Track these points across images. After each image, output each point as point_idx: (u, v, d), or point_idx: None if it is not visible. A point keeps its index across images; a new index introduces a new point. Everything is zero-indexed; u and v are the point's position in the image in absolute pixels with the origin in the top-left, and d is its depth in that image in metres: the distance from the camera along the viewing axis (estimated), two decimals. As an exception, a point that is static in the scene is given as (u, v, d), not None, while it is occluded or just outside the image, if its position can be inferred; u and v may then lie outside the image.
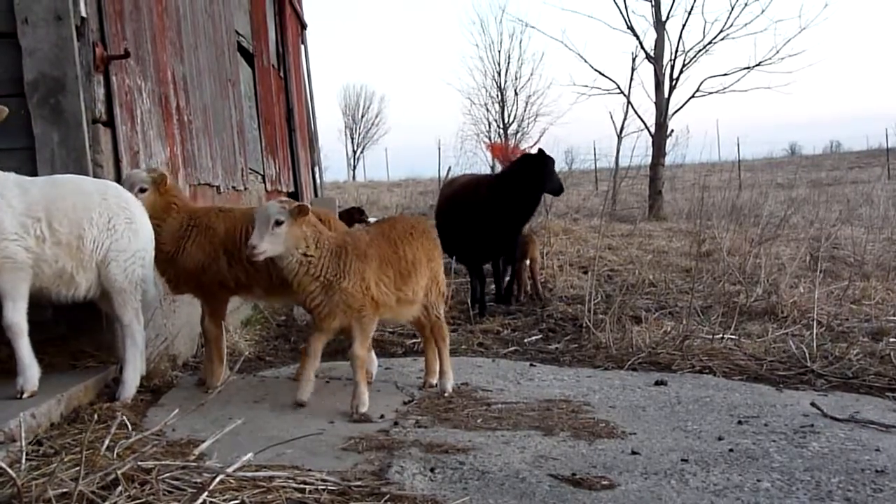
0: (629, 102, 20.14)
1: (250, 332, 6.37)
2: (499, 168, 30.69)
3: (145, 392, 4.24)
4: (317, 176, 14.00)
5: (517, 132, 37.07)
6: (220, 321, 4.46)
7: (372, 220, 8.92)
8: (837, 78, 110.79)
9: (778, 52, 18.48)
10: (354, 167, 63.89)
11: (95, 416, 3.52)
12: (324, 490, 2.76)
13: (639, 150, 20.74)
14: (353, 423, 3.84)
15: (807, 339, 5.41)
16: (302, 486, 2.78)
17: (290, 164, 11.07)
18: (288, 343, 6.18)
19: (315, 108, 13.99)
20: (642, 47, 19.31)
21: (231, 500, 2.60)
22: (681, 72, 19.09)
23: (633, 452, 3.37)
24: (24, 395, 3.55)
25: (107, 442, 3.05)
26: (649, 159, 19.47)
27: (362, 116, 65.65)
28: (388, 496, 2.77)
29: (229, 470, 2.75)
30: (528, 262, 7.71)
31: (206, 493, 2.57)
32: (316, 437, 3.49)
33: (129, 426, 3.35)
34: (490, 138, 37.24)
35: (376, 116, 65.94)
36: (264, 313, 7.11)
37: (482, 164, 32.27)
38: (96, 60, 4.23)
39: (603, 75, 21.11)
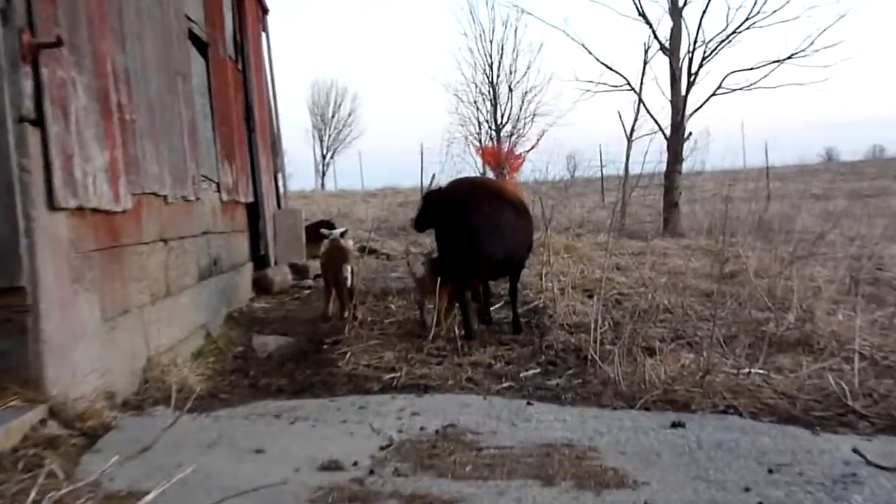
0: (641, 101, 20.27)
1: (202, 365, 6.35)
2: (489, 174, 30.83)
3: (78, 436, 4.21)
4: (280, 184, 14.01)
5: (511, 134, 37.24)
6: None
7: (336, 232, 8.85)
8: (881, 72, 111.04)
9: (812, 42, 18.52)
10: (324, 174, 64.02)
11: (20, 465, 3.49)
12: (287, 550, 2.75)
13: (652, 155, 20.80)
14: (322, 471, 3.83)
15: (847, 374, 5.43)
16: (262, 545, 2.76)
17: (248, 170, 11.07)
18: (246, 378, 6.17)
19: (278, 105, 14.03)
20: (656, 37, 19.45)
21: (179, 562, 2.59)
22: (700, 65, 19.22)
23: (647, 505, 3.37)
24: None
25: (33, 494, 3.03)
26: (664, 166, 19.56)
27: (333, 116, 65.86)
28: (362, 557, 2.76)
29: (177, 526, 2.73)
30: None
31: (149, 554, 2.56)
32: (279, 488, 3.47)
33: (60, 475, 3.33)
34: (480, 141, 37.38)
35: (349, 116, 66.15)
36: (218, 344, 7.10)
37: (471, 170, 32.40)
38: (23, 49, 4.22)
39: (611, 69, 21.06)
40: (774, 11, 18.82)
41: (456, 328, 7.32)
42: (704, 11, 19.18)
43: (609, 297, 8.79)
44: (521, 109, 37.38)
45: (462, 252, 7.23)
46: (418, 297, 8.07)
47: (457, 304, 7.67)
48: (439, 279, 7.27)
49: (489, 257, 7.29)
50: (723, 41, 19.06)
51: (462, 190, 7.73)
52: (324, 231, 8.83)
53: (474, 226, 7.22)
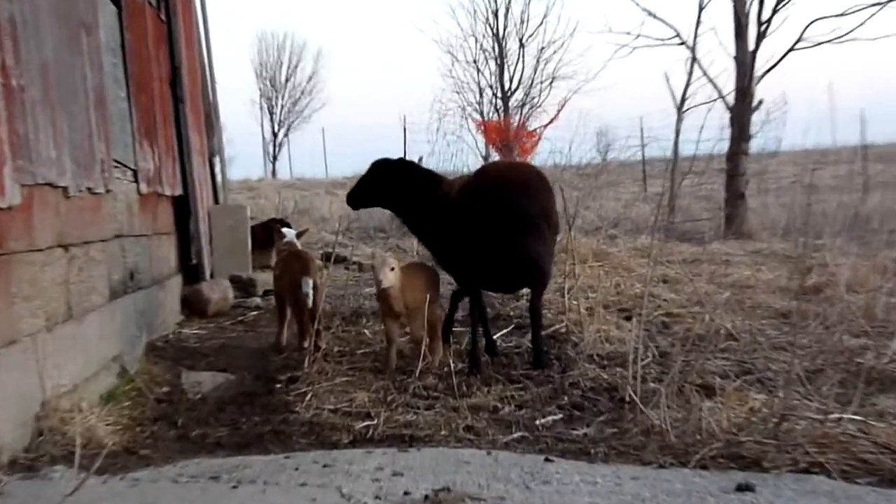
0: (695, 58, 20.35)
1: (115, 411, 6.34)
2: (495, 157, 30.87)
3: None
4: (217, 171, 14.03)
5: (523, 104, 37.35)
6: None
7: (292, 233, 8.91)
8: None
9: (924, -24, 18.54)
10: (275, 158, 64.22)
11: None
12: None
13: (710, 131, 20.89)
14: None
15: (971, 420, 5.46)
16: None
17: (176, 153, 11.08)
18: (174, 428, 6.17)
19: (215, 67, 14.05)
20: (715, -25, 19.52)
21: None
22: (774, 11, 19.27)
23: (704, 593, 3.40)
24: None
25: None
26: (726, 145, 19.58)
27: (287, 80, 66.09)
28: None
29: None
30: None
31: None
32: (217, 573, 3.49)
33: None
34: (483, 114, 37.43)
35: (309, 81, 66.41)
36: (136, 383, 7.10)
37: (470, 151, 32.32)
38: None
39: (655, 17, 21.20)
40: (873, -64, 18.71)
41: (451, 361, 7.32)
42: (779, -60, 19.19)
43: (653, 320, 8.82)
44: (535, 71, 37.58)
45: (510, 254, 7.31)
46: (383, 318, 7.81)
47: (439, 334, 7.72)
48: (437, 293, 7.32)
49: (545, 261, 7.45)
50: (804, -22, 19.06)
51: (506, 174, 7.89)
52: (281, 231, 8.89)
53: (532, 216, 7.32)
